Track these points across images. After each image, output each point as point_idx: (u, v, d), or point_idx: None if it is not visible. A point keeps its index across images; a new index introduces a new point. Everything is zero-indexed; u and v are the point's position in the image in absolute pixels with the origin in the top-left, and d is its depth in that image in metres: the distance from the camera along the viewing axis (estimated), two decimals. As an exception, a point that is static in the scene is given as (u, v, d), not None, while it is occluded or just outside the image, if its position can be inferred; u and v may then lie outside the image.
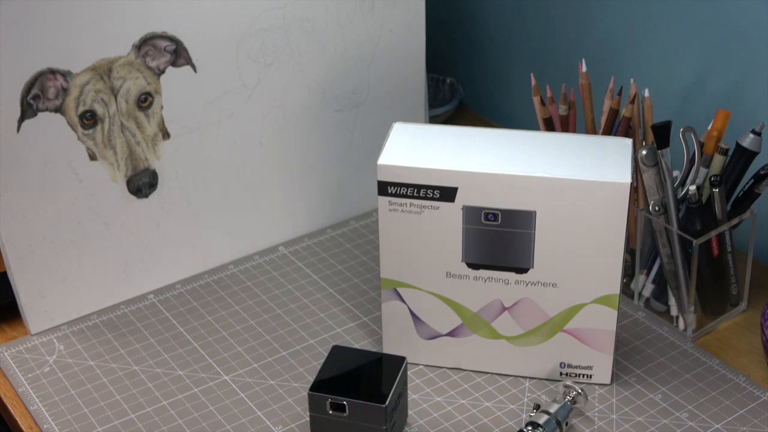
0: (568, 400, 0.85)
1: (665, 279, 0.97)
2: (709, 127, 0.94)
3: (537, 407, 0.85)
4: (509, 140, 0.88)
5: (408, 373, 0.92)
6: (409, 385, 0.91)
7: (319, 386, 0.82)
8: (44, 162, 0.93)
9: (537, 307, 0.88)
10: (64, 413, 0.89)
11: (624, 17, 1.12)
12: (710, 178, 0.93)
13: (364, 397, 0.81)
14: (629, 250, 1.00)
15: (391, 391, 0.81)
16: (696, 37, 1.05)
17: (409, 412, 0.88)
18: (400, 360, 0.84)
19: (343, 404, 0.81)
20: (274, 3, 1.00)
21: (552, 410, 0.84)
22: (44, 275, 0.97)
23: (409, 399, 0.89)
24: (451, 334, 0.91)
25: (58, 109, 0.93)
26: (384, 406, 0.80)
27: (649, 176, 0.93)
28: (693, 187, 0.92)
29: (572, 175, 0.83)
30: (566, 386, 0.86)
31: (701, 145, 0.94)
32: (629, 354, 0.94)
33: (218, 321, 1.00)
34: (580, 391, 0.86)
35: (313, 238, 1.11)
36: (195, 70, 0.98)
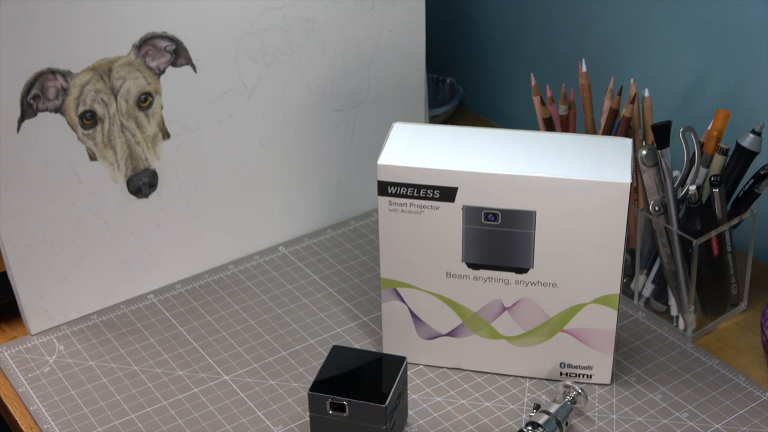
0: (568, 400, 0.86)
1: (665, 279, 0.97)
2: (709, 127, 0.94)
3: (537, 407, 0.85)
4: (509, 140, 0.88)
5: (408, 373, 0.92)
6: (409, 385, 0.91)
7: (319, 386, 0.82)
8: (44, 162, 0.93)
9: (537, 307, 0.88)
10: (64, 413, 0.89)
11: (624, 17, 1.12)
12: (710, 178, 0.93)
13: (364, 397, 0.81)
14: (629, 250, 1.00)
15: (391, 391, 0.81)
16: (696, 37, 1.05)
17: (409, 412, 0.88)
18: (400, 360, 0.84)
19: (343, 404, 0.81)
20: (274, 3, 1.00)
21: (552, 410, 0.84)
22: (44, 275, 0.97)
23: (409, 399, 0.89)
24: (451, 334, 0.91)
25: (58, 109, 0.93)
26: (384, 406, 0.80)
27: (649, 176, 0.93)
28: (693, 187, 0.92)
29: (572, 175, 0.83)
30: (566, 386, 0.86)
31: (701, 145, 0.94)
32: (629, 354, 0.94)
33: (218, 321, 1.00)
34: (580, 391, 0.86)
35: (313, 238, 1.11)
36: (195, 70, 0.98)
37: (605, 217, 0.83)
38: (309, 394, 0.82)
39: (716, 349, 0.95)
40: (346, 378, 0.83)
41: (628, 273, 1.00)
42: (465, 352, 0.92)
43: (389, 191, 0.86)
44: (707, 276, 0.95)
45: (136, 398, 0.91)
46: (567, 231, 0.85)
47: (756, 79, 1.02)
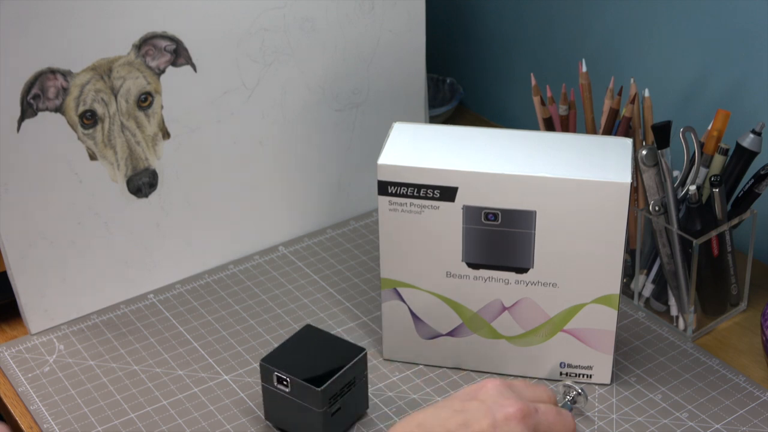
0: (568, 400, 0.85)
1: (665, 279, 0.97)
2: (709, 127, 0.94)
3: None
4: (509, 140, 0.88)
5: (407, 372, 0.92)
6: (409, 385, 0.91)
7: (271, 359, 0.84)
8: (44, 162, 0.93)
9: (537, 307, 0.88)
10: (64, 413, 0.89)
11: (624, 17, 1.12)
12: (710, 178, 0.93)
13: (305, 377, 0.82)
14: (629, 250, 1.00)
15: (333, 378, 0.82)
16: (696, 37, 1.05)
17: (410, 411, 0.88)
18: (359, 350, 0.85)
19: (286, 380, 0.82)
20: (274, 3, 1.00)
21: None
22: (44, 275, 0.97)
23: (409, 399, 0.89)
24: (451, 334, 0.91)
25: (58, 109, 0.93)
26: (319, 389, 0.81)
27: (649, 176, 0.93)
28: (693, 187, 0.92)
29: (572, 175, 0.83)
30: (566, 386, 0.86)
31: (701, 145, 0.94)
32: (629, 354, 0.94)
33: (218, 321, 1.00)
34: (580, 391, 0.86)
35: (313, 238, 1.11)
36: (195, 70, 0.98)
37: (605, 217, 0.83)
38: (260, 364, 0.84)
39: (716, 349, 0.95)
40: (302, 356, 0.84)
41: (628, 273, 1.00)
42: (465, 352, 0.92)
43: (389, 191, 0.86)
44: (707, 276, 0.95)
45: (136, 398, 0.91)
46: (567, 231, 0.85)
47: (756, 79, 1.02)
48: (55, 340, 0.98)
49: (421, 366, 0.93)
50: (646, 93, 0.95)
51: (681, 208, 0.94)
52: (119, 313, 1.01)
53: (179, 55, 0.97)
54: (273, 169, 1.07)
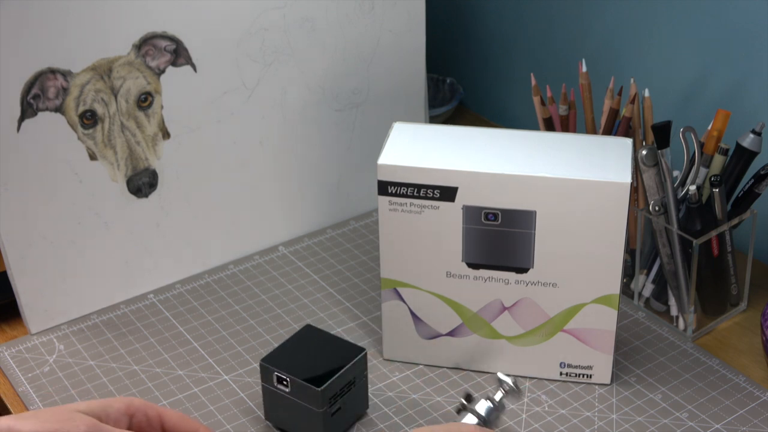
0: (502, 396, 0.83)
1: (665, 279, 0.97)
2: (709, 127, 0.94)
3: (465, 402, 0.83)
4: (509, 140, 0.88)
5: (408, 372, 0.92)
6: (409, 385, 0.91)
7: (271, 358, 0.84)
8: (44, 162, 0.93)
9: (537, 307, 0.88)
10: (64, 413, 0.89)
11: (624, 17, 1.12)
12: (710, 178, 0.93)
13: (305, 377, 0.82)
14: (629, 250, 1.00)
15: (334, 378, 0.82)
16: (696, 37, 1.05)
17: (410, 411, 0.88)
18: (359, 350, 0.85)
19: (286, 380, 0.83)
20: (274, 3, 1.00)
21: (482, 412, 0.82)
22: (44, 275, 0.97)
23: (409, 399, 0.89)
24: (451, 334, 0.91)
25: (58, 109, 0.93)
26: (320, 389, 0.81)
27: (649, 176, 0.93)
28: (693, 187, 0.92)
29: (572, 175, 0.83)
30: (500, 380, 0.84)
31: (701, 145, 0.94)
32: (629, 354, 0.94)
33: (218, 321, 1.00)
34: (512, 384, 0.83)
35: (313, 238, 1.11)
36: (195, 70, 0.98)
37: (605, 217, 0.83)
38: (260, 364, 0.84)
39: (716, 349, 0.95)
40: (302, 356, 0.85)
41: (628, 273, 1.00)
42: (465, 352, 0.92)
43: (389, 191, 0.86)
44: (707, 276, 0.95)
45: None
46: (567, 231, 0.85)
47: (756, 79, 1.02)
48: (55, 340, 0.98)
49: (421, 366, 0.93)
50: (646, 93, 0.95)
51: (681, 208, 0.94)
52: (119, 313, 1.01)
53: (179, 55, 0.97)
54: (273, 169, 1.07)
